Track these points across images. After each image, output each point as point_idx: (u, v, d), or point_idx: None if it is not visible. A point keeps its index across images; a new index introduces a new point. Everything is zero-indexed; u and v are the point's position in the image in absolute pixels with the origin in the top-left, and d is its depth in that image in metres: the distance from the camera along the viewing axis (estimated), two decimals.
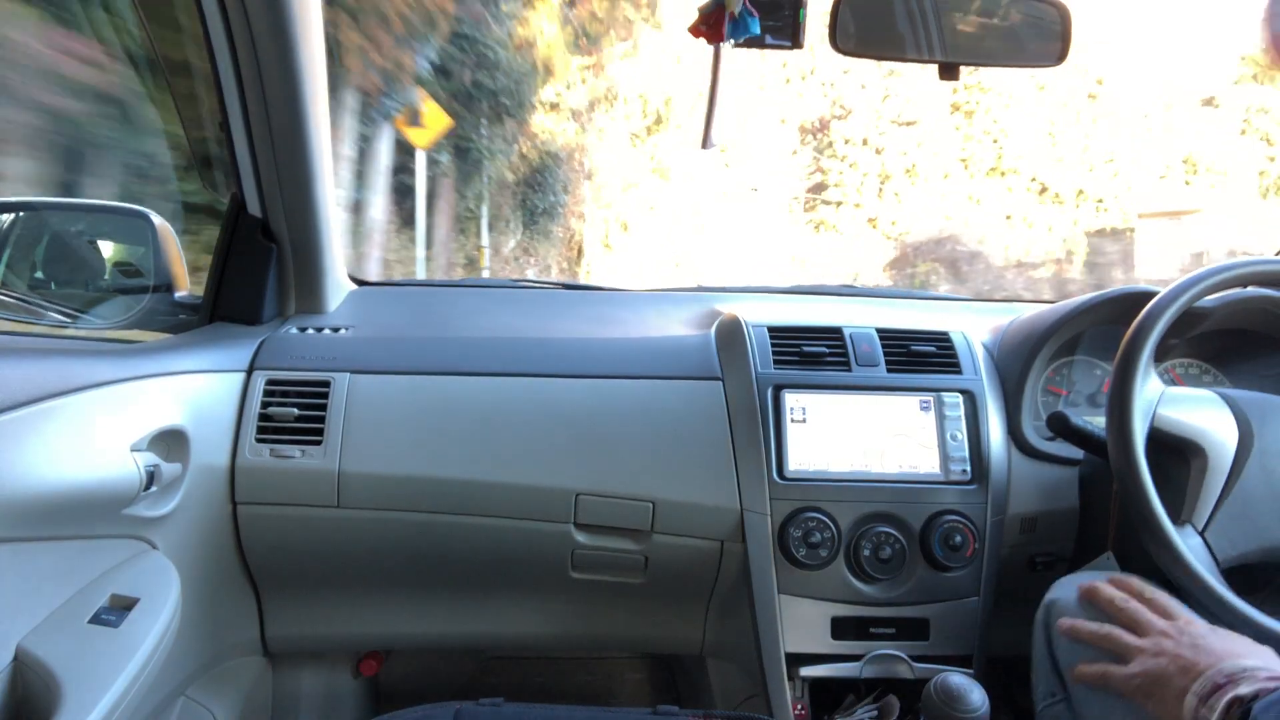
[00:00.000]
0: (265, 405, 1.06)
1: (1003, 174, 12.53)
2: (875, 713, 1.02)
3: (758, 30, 0.89)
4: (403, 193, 7.41)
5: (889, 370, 1.11)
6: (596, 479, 1.07)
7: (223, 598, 1.10)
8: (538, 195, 9.59)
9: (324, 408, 1.06)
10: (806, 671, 1.05)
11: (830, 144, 13.21)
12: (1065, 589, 0.91)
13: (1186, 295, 0.93)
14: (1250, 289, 1.08)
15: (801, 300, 1.46)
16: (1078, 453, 1.10)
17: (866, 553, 1.04)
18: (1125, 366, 0.91)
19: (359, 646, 1.35)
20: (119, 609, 0.78)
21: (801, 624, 1.05)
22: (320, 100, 1.11)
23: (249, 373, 1.08)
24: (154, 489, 0.88)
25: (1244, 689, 0.67)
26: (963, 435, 1.08)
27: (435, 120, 7.19)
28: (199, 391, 1.00)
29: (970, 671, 0.98)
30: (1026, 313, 1.23)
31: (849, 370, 1.11)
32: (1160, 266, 10.34)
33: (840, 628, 1.05)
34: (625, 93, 11.00)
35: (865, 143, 12.99)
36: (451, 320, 1.34)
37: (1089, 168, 12.27)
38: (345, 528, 1.06)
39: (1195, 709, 0.68)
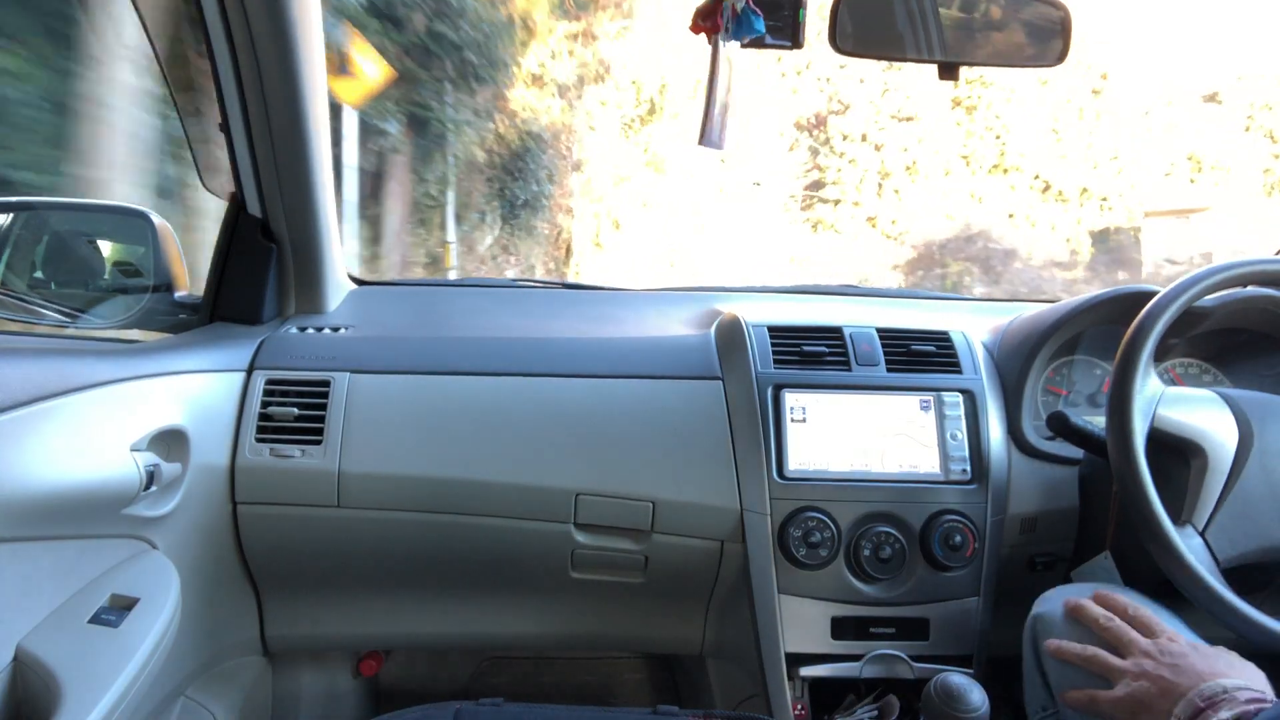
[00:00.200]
0: (265, 405, 1.06)
1: (1005, 171, 12.42)
2: (875, 713, 1.02)
3: (762, 29, 0.89)
4: (338, 171, 6.19)
5: (889, 370, 1.11)
6: (596, 479, 1.07)
7: (222, 597, 1.11)
8: (518, 184, 8.05)
9: (324, 407, 1.06)
10: (806, 671, 1.05)
11: (828, 140, 12.95)
12: (1051, 603, 0.91)
13: (1186, 295, 0.93)
14: (1250, 288, 1.08)
15: (801, 300, 1.46)
16: (1078, 453, 1.09)
17: (866, 552, 1.04)
18: (1125, 366, 0.91)
19: (359, 646, 1.35)
20: (119, 609, 0.79)
21: (801, 624, 1.05)
22: (320, 100, 1.11)
23: (249, 372, 1.08)
24: (154, 489, 0.88)
25: (1224, 713, 0.67)
26: (963, 435, 1.08)
27: (369, 68, 5.15)
28: (199, 391, 1.01)
29: (970, 671, 0.98)
30: (1026, 312, 1.23)
31: (849, 370, 1.11)
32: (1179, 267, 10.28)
33: (840, 628, 1.05)
34: (618, 77, 9.88)
35: (864, 139, 12.77)
36: (451, 320, 1.34)
37: (1093, 165, 12.18)
38: (345, 527, 1.06)
39: None
